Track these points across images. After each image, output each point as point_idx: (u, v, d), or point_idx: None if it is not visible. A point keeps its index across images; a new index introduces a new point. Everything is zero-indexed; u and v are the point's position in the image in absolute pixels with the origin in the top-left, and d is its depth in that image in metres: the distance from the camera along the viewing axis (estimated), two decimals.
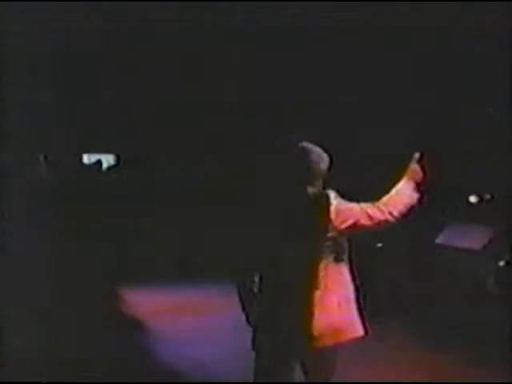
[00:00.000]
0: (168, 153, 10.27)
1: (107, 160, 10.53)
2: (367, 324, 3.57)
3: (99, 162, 10.29)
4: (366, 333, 3.55)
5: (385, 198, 3.58)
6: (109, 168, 10.46)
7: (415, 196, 3.60)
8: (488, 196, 7.41)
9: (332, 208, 3.44)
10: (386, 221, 3.51)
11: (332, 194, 3.51)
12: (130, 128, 10.14)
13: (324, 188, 3.56)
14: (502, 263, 6.51)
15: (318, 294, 3.39)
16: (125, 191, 9.67)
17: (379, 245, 7.71)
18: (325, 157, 3.59)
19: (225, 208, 10.03)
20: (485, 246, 6.69)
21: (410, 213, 3.58)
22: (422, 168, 3.65)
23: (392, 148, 8.31)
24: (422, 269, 7.08)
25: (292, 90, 9.44)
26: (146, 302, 7.61)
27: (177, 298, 7.81)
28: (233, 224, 10.22)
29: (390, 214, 3.50)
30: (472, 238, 6.80)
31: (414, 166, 3.67)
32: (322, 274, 3.40)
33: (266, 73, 9.74)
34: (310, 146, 3.58)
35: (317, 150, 3.58)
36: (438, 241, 7.17)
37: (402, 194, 3.59)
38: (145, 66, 9.94)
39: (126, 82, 9.78)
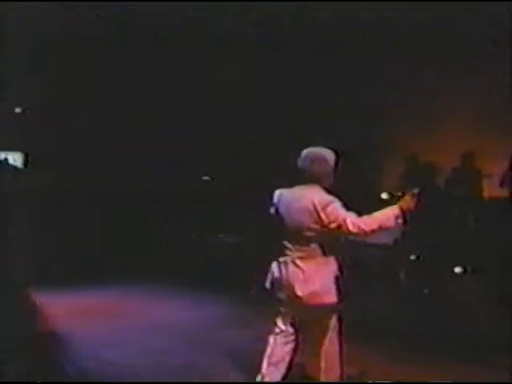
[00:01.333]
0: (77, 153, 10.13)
1: (14, 158, 10.22)
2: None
3: (5, 161, 9.97)
4: (340, 302, 4.43)
5: (371, 215, 4.30)
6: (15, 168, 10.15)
7: (397, 221, 4.27)
8: (399, 193, 7.95)
9: (328, 209, 4.27)
10: (357, 234, 4.28)
11: (331, 197, 4.32)
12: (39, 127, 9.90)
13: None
14: (412, 257, 7.04)
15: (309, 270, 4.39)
16: (33, 190, 9.44)
17: None
18: (333, 156, 4.47)
19: (135, 208, 10.08)
20: (396, 241, 7.17)
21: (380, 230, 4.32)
22: (415, 202, 4.28)
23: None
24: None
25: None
26: (56, 305, 7.53)
27: (86, 301, 7.72)
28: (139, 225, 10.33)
29: (363, 230, 4.26)
30: (384, 234, 7.25)
31: (408, 198, 4.31)
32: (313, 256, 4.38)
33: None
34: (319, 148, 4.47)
35: (325, 150, 4.47)
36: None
37: (386, 216, 4.28)
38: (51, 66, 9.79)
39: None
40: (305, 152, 4.48)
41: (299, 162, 4.48)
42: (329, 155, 4.48)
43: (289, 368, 4.64)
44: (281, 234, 4.53)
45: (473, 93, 8.90)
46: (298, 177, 4.46)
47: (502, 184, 7.96)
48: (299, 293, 4.42)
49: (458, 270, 6.66)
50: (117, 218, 10.02)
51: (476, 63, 8.67)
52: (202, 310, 7.77)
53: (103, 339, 6.29)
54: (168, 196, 10.27)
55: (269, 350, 4.66)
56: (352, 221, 4.25)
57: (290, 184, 4.58)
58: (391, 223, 4.28)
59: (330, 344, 4.59)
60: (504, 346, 5.83)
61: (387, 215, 4.28)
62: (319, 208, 4.30)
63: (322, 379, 4.60)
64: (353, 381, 5.05)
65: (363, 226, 4.25)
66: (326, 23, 9.40)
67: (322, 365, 4.61)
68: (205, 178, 10.32)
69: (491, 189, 8.24)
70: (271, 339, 4.67)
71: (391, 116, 9.64)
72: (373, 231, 4.29)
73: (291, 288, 4.47)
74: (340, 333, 4.64)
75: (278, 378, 4.58)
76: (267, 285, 4.68)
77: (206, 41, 9.89)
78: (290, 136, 10.09)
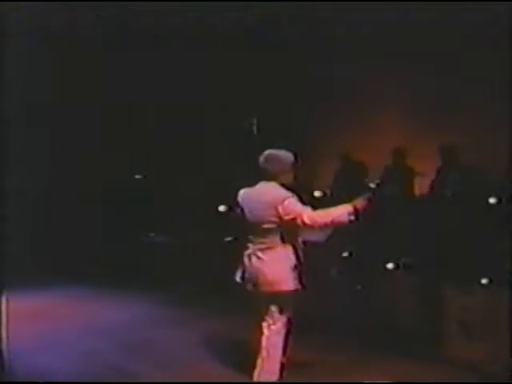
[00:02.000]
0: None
1: None
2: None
3: None
4: (298, 289, 4.86)
5: (325, 209, 4.77)
6: None
7: (349, 218, 4.69)
8: (329, 191, 7.98)
9: (285, 202, 4.71)
10: (311, 226, 4.74)
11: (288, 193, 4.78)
12: None
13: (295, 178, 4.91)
14: (345, 254, 7.03)
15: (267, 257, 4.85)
16: None
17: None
18: (289, 156, 4.95)
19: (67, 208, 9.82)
20: (328, 239, 7.14)
21: (332, 225, 4.87)
22: (367, 204, 4.75)
23: None
24: None
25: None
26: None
27: (28, 303, 7.61)
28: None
29: (316, 222, 4.71)
30: (316, 232, 7.21)
31: (362, 199, 4.76)
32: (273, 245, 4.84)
33: None
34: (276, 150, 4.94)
35: (282, 151, 4.95)
36: None
37: (339, 212, 4.72)
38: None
39: None
40: (264, 153, 4.95)
41: (259, 162, 4.94)
42: (284, 155, 4.96)
43: (284, 355, 4.98)
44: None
45: (406, 91, 8.99)
46: (260, 175, 4.95)
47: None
48: (260, 281, 4.86)
49: (390, 266, 6.68)
50: (49, 219, 9.79)
51: (407, 60, 8.77)
52: (131, 310, 7.66)
53: (33, 342, 6.27)
54: (99, 194, 10.08)
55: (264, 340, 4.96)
56: (307, 214, 4.68)
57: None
58: (343, 219, 4.70)
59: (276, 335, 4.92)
60: (430, 338, 6.05)
61: (340, 211, 4.71)
62: (277, 202, 4.75)
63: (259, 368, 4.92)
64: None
65: (317, 219, 4.70)
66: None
67: (264, 353, 4.92)
68: (137, 176, 10.17)
69: (423, 186, 8.32)
70: (265, 331, 4.98)
71: (323, 114, 9.68)
72: (325, 224, 4.78)
73: (254, 278, 4.92)
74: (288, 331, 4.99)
75: (275, 367, 4.91)
76: (237, 278, 5.09)
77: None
78: (222, 135, 10.08)
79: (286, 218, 4.73)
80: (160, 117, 10.32)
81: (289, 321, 5.01)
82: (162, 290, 8.35)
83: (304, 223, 4.70)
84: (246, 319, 6.85)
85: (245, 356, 5.72)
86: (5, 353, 5.50)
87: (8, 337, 5.83)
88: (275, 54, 9.69)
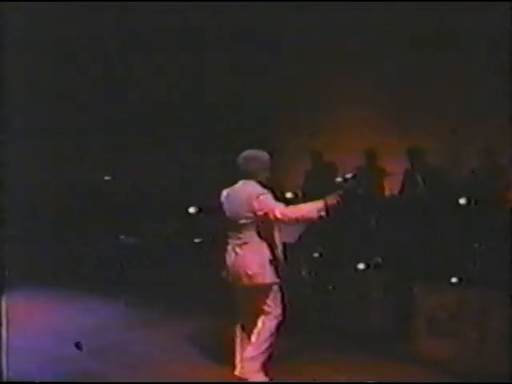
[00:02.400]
0: None
1: None
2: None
3: None
4: (277, 282, 5.10)
5: (296, 205, 5.02)
6: None
7: (320, 214, 4.86)
8: (300, 192, 7.97)
9: (260, 198, 4.95)
10: (283, 221, 4.96)
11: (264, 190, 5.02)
12: None
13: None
14: (316, 254, 7.03)
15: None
16: None
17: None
18: (265, 156, 5.21)
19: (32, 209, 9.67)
20: (299, 239, 7.13)
21: (303, 222, 5.14)
22: (338, 201, 4.90)
23: None
24: None
25: None
26: None
27: None
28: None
29: (288, 217, 4.92)
30: (288, 232, 7.21)
31: (333, 196, 4.91)
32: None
33: None
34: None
35: (259, 151, 5.21)
36: None
37: (310, 208, 4.92)
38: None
39: None
40: (243, 153, 5.21)
41: (238, 161, 5.20)
42: (261, 155, 5.22)
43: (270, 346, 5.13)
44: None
45: (376, 91, 9.05)
46: (239, 174, 5.19)
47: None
48: (240, 275, 5.07)
49: (361, 266, 6.70)
50: (11, 219, 9.62)
51: (378, 63, 8.83)
52: (98, 313, 7.57)
53: None
54: (68, 195, 9.96)
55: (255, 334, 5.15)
56: (280, 209, 4.91)
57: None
58: (314, 215, 4.89)
59: (263, 327, 5.09)
60: (400, 336, 6.11)
61: (311, 207, 4.92)
62: (252, 198, 4.99)
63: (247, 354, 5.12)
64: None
65: (288, 214, 4.92)
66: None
67: (253, 339, 5.13)
68: (106, 177, 10.08)
69: (393, 186, 8.36)
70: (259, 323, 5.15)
71: (294, 114, 9.70)
72: (296, 219, 4.98)
73: (235, 272, 5.13)
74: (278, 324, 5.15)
75: (263, 357, 5.11)
76: (223, 274, 5.28)
77: None
78: (188, 135, 10.05)
79: (260, 213, 4.96)
80: (126, 117, 10.25)
81: (282, 313, 5.20)
82: (131, 292, 8.29)
83: (276, 218, 4.91)
84: (214, 319, 6.98)
85: (214, 355, 5.81)
86: None
87: None
88: (244, 53, 9.71)
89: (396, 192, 8.25)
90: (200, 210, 8.03)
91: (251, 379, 5.12)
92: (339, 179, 5.42)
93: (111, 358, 6.03)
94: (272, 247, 5.14)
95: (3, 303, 6.01)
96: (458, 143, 8.17)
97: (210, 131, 9.84)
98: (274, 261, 5.10)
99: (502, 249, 6.26)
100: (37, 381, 5.28)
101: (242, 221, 5.08)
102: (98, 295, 8.27)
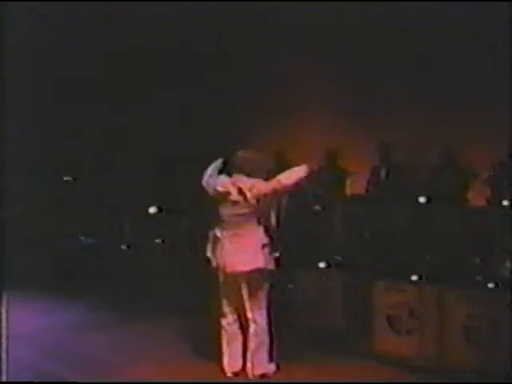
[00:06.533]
0: None
1: None
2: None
3: None
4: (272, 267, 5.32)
5: (282, 174, 5.26)
6: None
7: (305, 176, 5.25)
8: None
9: (254, 190, 5.18)
10: (276, 188, 5.21)
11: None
12: None
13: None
14: (276, 254, 6.97)
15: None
16: None
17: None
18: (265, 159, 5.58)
19: None
20: None
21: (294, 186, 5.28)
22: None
23: None
24: None
25: None
26: None
27: None
28: None
29: (279, 182, 5.18)
30: None
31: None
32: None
33: None
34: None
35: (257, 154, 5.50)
36: None
37: (295, 172, 5.27)
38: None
39: None
40: (239, 153, 5.38)
41: (234, 161, 5.38)
42: (259, 157, 5.49)
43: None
44: None
45: (339, 91, 9.07)
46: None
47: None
48: (235, 263, 5.19)
49: (322, 265, 6.69)
50: None
51: (343, 62, 8.87)
52: (56, 316, 7.45)
53: None
54: (27, 196, 9.80)
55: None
56: (278, 179, 5.19)
57: None
58: (302, 174, 5.26)
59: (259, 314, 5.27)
60: (360, 334, 6.13)
61: (299, 168, 5.30)
62: (242, 185, 5.21)
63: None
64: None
65: (291, 176, 5.25)
66: None
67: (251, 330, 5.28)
68: (66, 178, 9.96)
69: (355, 186, 8.39)
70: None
71: (254, 112, 9.68)
72: (298, 177, 5.24)
73: (229, 261, 5.22)
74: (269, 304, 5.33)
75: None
76: (213, 264, 5.39)
77: None
78: (151, 137, 9.99)
79: (251, 193, 5.17)
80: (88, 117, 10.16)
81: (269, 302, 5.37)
82: (89, 294, 8.20)
83: (283, 185, 5.21)
84: (173, 320, 6.94)
85: (183, 353, 5.88)
86: None
87: None
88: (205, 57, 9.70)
89: (359, 191, 8.28)
90: (161, 209, 7.97)
91: (263, 372, 5.29)
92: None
93: (66, 360, 5.93)
94: (268, 232, 5.32)
95: None
96: (420, 142, 8.23)
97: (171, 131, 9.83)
98: (267, 246, 5.27)
99: (459, 247, 6.34)
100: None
101: (241, 211, 5.22)
102: (55, 298, 8.15)
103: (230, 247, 5.25)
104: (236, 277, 5.28)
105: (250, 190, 5.20)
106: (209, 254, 5.45)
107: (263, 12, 9.09)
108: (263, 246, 5.26)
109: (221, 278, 5.41)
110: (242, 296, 5.31)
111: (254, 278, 5.23)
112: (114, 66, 10.15)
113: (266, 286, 5.34)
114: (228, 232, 5.30)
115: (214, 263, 5.40)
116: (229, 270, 5.27)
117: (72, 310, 7.67)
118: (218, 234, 5.35)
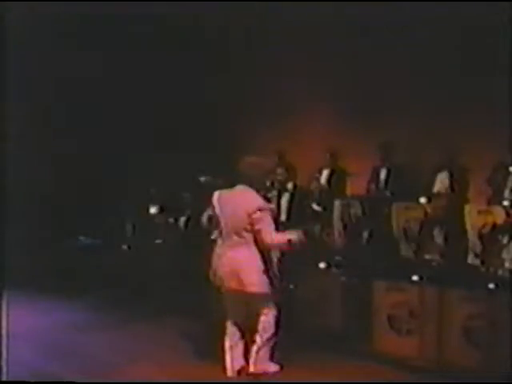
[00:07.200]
0: None
1: None
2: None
3: None
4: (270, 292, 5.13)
5: (280, 233, 5.13)
6: None
7: (299, 239, 5.06)
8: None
9: (260, 213, 4.99)
10: (270, 245, 5.09)
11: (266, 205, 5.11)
12: None
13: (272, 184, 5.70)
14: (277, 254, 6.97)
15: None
16: None
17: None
18: (267, 163, 5.42)
19: None
20: None
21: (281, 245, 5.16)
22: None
23: None
24: None
25: None
26: None
27: None
28: None
29: (273, 242, 5.05)
30: None
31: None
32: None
33: None
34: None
35: (260, 158, 5.36)
36: None
37: (290, 234, 5.08)
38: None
39: None
40: (246, 158, 5.26)
41: (240, 166, 5.21)
42: (265, 162, 5.40)
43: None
44: None
45: (339, 91, 9.08)
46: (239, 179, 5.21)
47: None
48: (229, 278, 5.10)
49: (322, 265, 6.70)
50: None
51: (343, 62, 8.87)
52: (56, 316, 7.46)
53: None
54: (25, 196, 9.80)
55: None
56: (271, 236, 5.01)
57: None
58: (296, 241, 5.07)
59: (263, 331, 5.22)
60: (357, 334, 6.16)
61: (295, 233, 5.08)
62: (253, 209, 5.00)
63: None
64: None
65: (278, 239, 5.05)
66: None
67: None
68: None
69: (354, 187, 8.40)
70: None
71: (256, 114, 9.69)
72: (282, 245, 5.16)
73: (224, 275, 5.14)
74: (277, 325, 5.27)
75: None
76: (211, 277, 5.29)
77: None
78: (143, 138, 10.00)
79: (256, 227, 5.01)
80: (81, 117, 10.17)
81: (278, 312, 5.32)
82: (89, 294, 8.20)
83: (264, 241, 5.02)
84: (173, 320, 6.94)
85: (170, 357, 5.84)
86: None
87: None
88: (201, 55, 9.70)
89: (359, 191, 8.28)
90: (162, 209, 7.97)
91: (266, 371, 5.27)
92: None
93: (64, 360, 5.93)
94: (266, 254, 5.17)
95: None
96: (420, 142, 8.23)
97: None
98: (268, 269, 5.14)
99: (459, 247, 6.33)
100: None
101: (239, 226, 5.06)
102: (56, 297, 8.17)
103: (226, 261, 5.14)
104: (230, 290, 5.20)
105: (255, 212, 5.01)
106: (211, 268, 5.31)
107: (263, 12, 9.09)
108: (258, 268, 5.10)
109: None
110: (244, 302, 5.23)
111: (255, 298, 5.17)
112: (114, 65, 10.17)
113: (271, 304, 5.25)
114: (225, 244, 5.19)
115: (212, 278, 5.29)
116: (219, 283, 5.22)
117: (72, 310, 7.71)
118: (219, 244, 5.26)
